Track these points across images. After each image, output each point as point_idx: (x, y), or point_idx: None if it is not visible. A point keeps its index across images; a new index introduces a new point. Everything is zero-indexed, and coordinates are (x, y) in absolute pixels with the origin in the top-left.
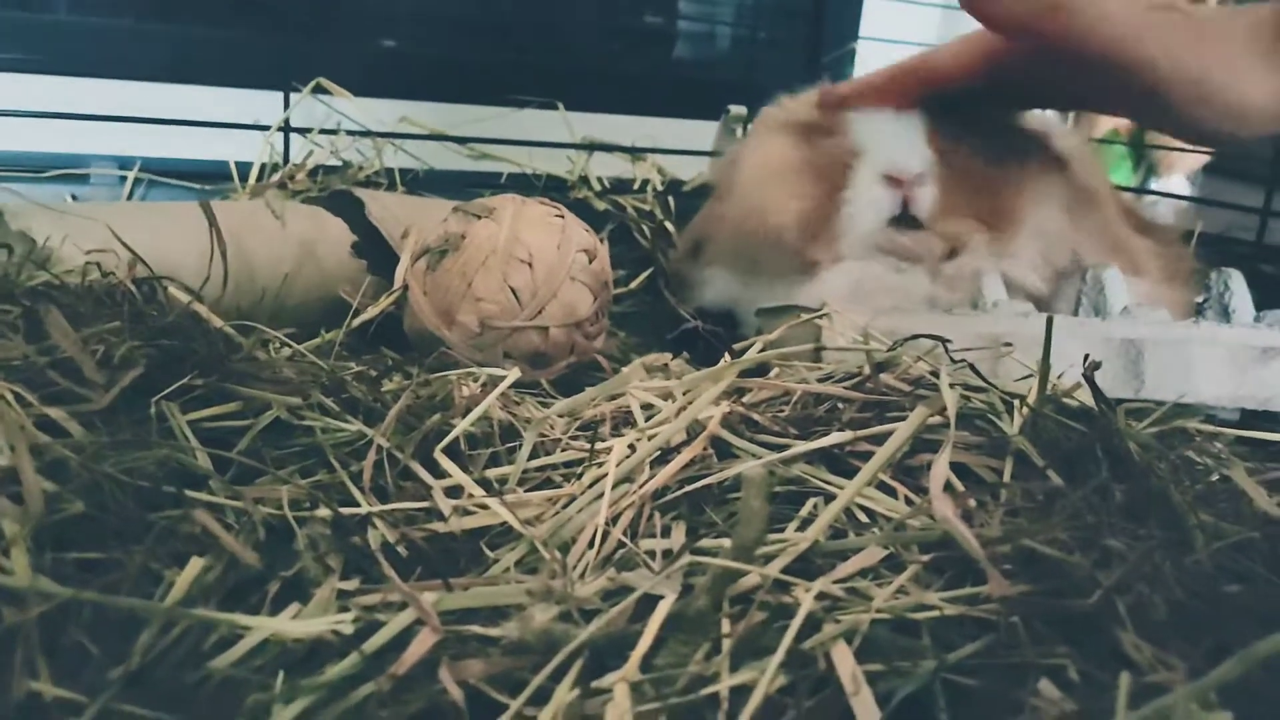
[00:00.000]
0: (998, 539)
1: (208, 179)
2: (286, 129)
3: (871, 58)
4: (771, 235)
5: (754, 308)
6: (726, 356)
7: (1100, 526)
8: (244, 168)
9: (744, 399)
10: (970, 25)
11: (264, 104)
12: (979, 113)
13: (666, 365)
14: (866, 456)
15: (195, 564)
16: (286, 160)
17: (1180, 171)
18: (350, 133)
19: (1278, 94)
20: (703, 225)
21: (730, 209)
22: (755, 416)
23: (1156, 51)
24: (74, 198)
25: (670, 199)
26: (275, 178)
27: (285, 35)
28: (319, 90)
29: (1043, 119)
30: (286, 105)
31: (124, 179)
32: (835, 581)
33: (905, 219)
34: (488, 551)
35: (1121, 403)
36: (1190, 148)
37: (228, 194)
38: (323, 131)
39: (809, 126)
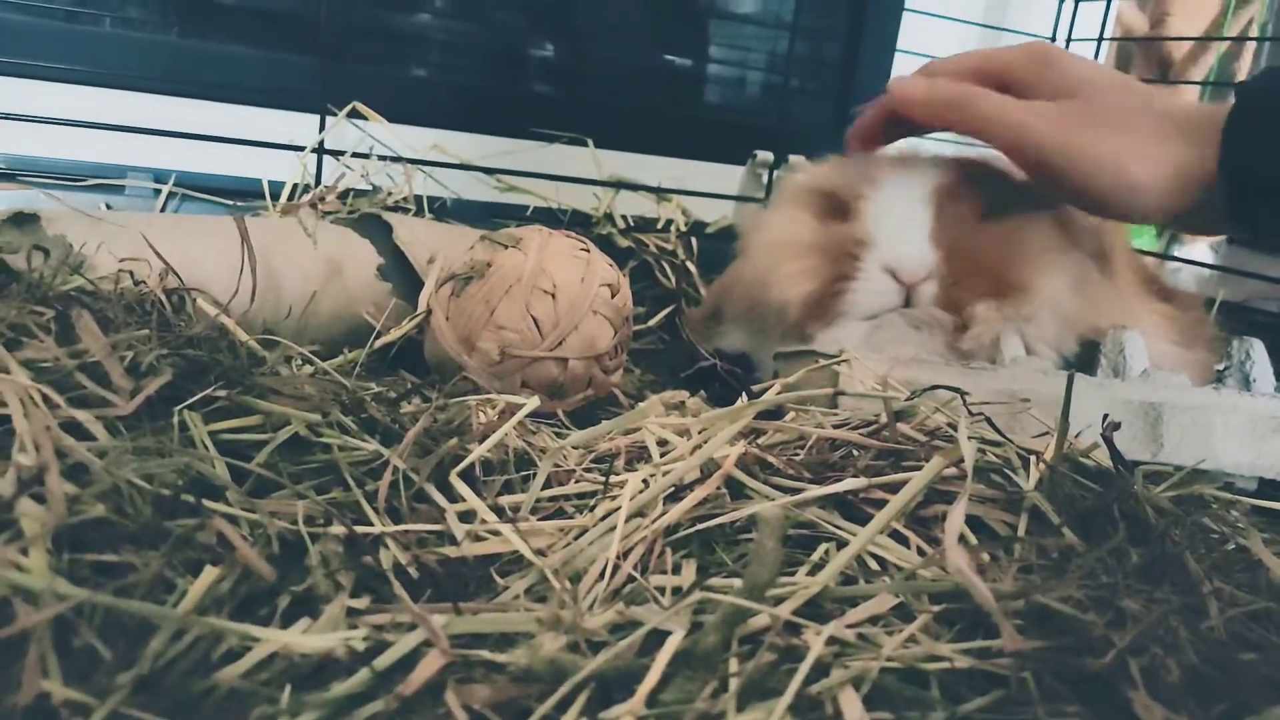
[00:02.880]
0: (1011, 594)
1: (240, 196)
2: (320, 150)
3: None
4: (776, 308)
5: (769, 353)
6: (744, 397)
7: (1115, 587)
8: (276, 186)
9: (759, 440)
10: None
11: (299, 125)
12: (994, 179)
13: (683, 403)
14: (880, 504)
15: (209, 573)
16: (318, 181)
17: (1205, 240)
18: (382, 158)
19: (1167, 174)
20: (722, 285)
21: (743, 274)
22: (770, 458)
23: (1044, 141)
24: (108, 207)
25: (693, 240)
26: (306, 198)
27: (323, 59)
28: (354, 114)
29: None
30: (322, 127)
31: (158, 191)
32: (846, 627)
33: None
34: (498, 578)
35: (1139, 465)
36: None
37: (259, 211)
38: (355, 155)
39: (826, 198)
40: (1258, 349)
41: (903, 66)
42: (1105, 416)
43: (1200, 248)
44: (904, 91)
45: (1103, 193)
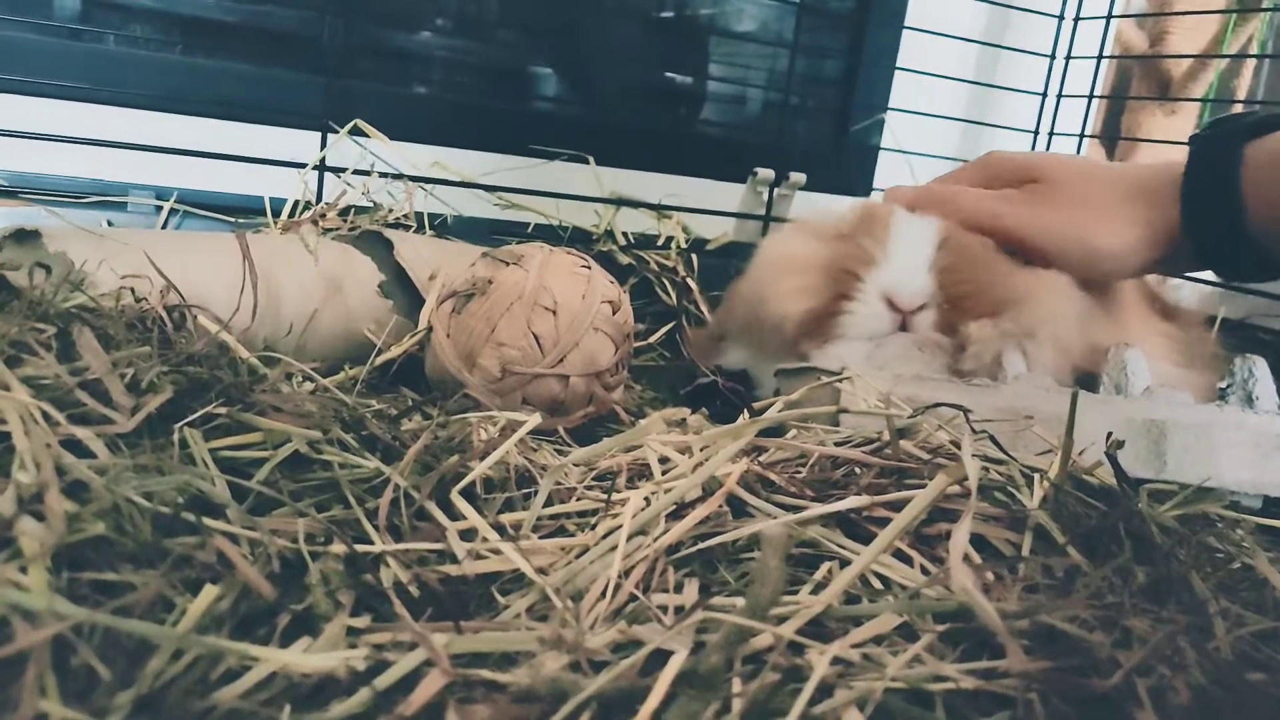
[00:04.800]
0: (1017, 613)
1: (241, 213)
2: (322, 168)
3: (900, 128)
4: (773, 324)
5: (769, 370)
6: (745, 414)
7: (1121, 607)
8: (277, 203)
9: (761, 458)
10: (999, 101)
11: (299, 143)
12: None
13: (685, 420)
14: (883, 522)
15: (209, 592)
16: (320, 198)
17: None
18: (383, 174)
19: (1135, 237)
20: (725, 302)
21: (744, 289)
22: (772, 476)
23: (1018, 224)
24: (110, 224)
25: (693, 257)
26: (307, 215)
27: (326, 77)
28: (356, 131)
29: None
30: (323, 144)
31: (159, 208)
32: (850, 647)
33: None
34: (499, 597)
35: (1144, 483)
36: None
37: (260, 228)
38: (356, 172)
39: (835, 231)
40: (1260, 367)
41: (902, 84)
42: (1109, 434)
43: None
44: (896, 197)
45: (1078, 264)
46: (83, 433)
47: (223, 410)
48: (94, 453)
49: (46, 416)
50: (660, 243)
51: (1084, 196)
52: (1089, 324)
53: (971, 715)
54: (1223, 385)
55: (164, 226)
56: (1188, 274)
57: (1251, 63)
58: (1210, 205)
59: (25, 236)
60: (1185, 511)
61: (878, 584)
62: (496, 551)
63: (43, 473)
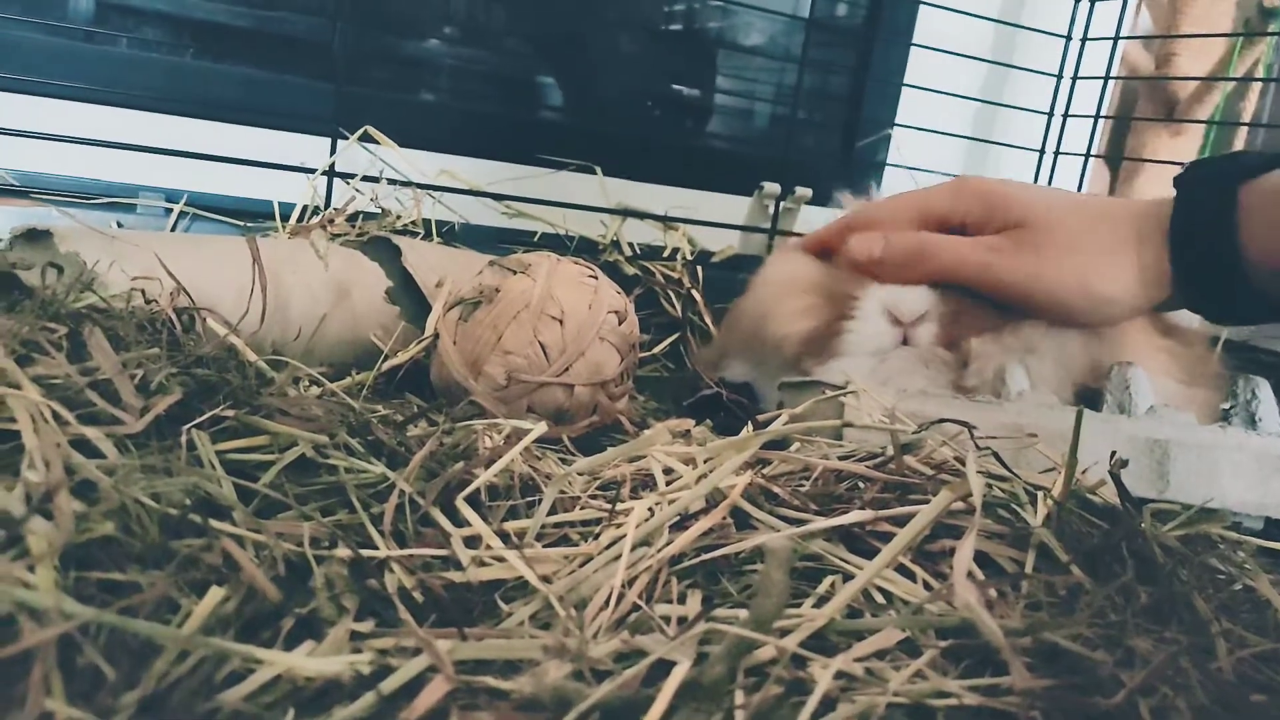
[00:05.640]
0: (1020, 630)
1: (249, 217)
2: (331, 173)
3: (906, 145)
4: (775, 344)
5: (773, 384)
6: (749, 426)
7: (1124, 626)
8: (285, 208)
9: (765, 471)
10: (1005, 120)
11: (310, 148)
12: None
13: (689, 431)
14: (886, 537)
15: (215, 594)
16: (328, 204)
17: None
18: (391, 181)
19: (1131, 280)
20: (728, 318)
21: (747, 307)
22: (776, 489)
23: (1008, 276)
24: (120, 225)
25: (699, 269)
26: (316, 220)
27: (336, 83)
28: (365, 138)
29: None
30: (333, 150)
31: (169, 211)
32: (853, 661)
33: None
34: (502, 604)
35: (1147, 502)
36: None
37: (269, 232)
38: (365, 178)
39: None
40: (1263, 388)
41: (909, 100)
42: (1113, 453)
43: None
44: (862, 252)
45: (1075, 311)
46: (92, 433)
47: (230, 413)
48: (103, 453)
49: (56, 416)
50: (666, 254)
51: (1077, 240)
52: (1090, 340)
53: None
54: (1226, 406)
55: (173, 229)
56: (1179, 308)
57: (1257, 86)
58: (1205, 249)
59: (37, 236)
60: (1188, 532)
61: (881, 599)
62: (500, 559)
63: (52, 472)
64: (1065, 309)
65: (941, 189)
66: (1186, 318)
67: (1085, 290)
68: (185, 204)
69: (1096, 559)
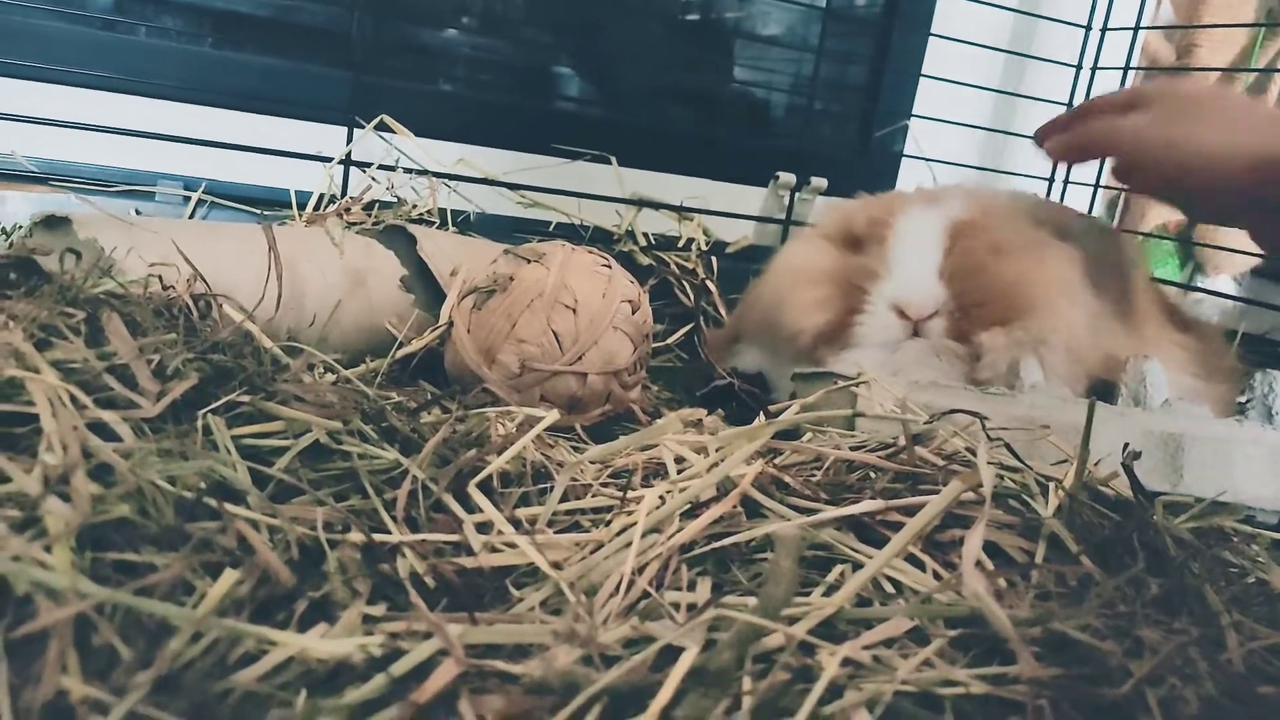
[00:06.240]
0: (1028, 620)
1: (266, 205)
2: (347, 162)
3: (923, 136)
4: (789, 335)
5: (785, 374)
6: (761, 416)
7: (1134, 617)
8: (302, 196)
9: (776, 460)
10: (1023, 110)
11: (326, 137)
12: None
13: (701, 420)
14: (896, 527)
15: (229, 576)
16: (345, 192)
17: (1227, 272)
18: (408, 170)
19: (1249, 154)
20: (742, 305)
21: (761, 295)
22: (787, 479)
23: (1149, 140)
24: (138, 213)
25: (713, 259)
26: (332, 208)
27: (354, 73)
28: (382, 127)
29: (1080, 214)
30: (350, 139)
31: (187, 199)
32: (861, 649)
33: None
34: (513, 590)
35: (1159, 495)
36: (1238, 249)
37: (285, 220)
38: (381, 167)
39: (849, 229)
40: None
41: (926, 91)
42: (1126, 445)
43: (1223, 279)
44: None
45: (1195, 173)
46: (109, 416)
47: (245, 398)
48: (120, 436)
49: (74, 399)
50: (681, 244)
51: (1209, 116)
52: (1104, 332)
53: None
54: (1242, 400)
55: (191, 216)
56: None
57: (1278, 78)
58: None
59: (56, 223)
60: (1200, 525)
61: (890, 588)
62: (512, 545)
63: (70, 454)
64: (1188, 170)
65: (1121, 92)
66: (1206, 312)
67: (1206, 154)
68: (203, 192)
69: (1107, 550)
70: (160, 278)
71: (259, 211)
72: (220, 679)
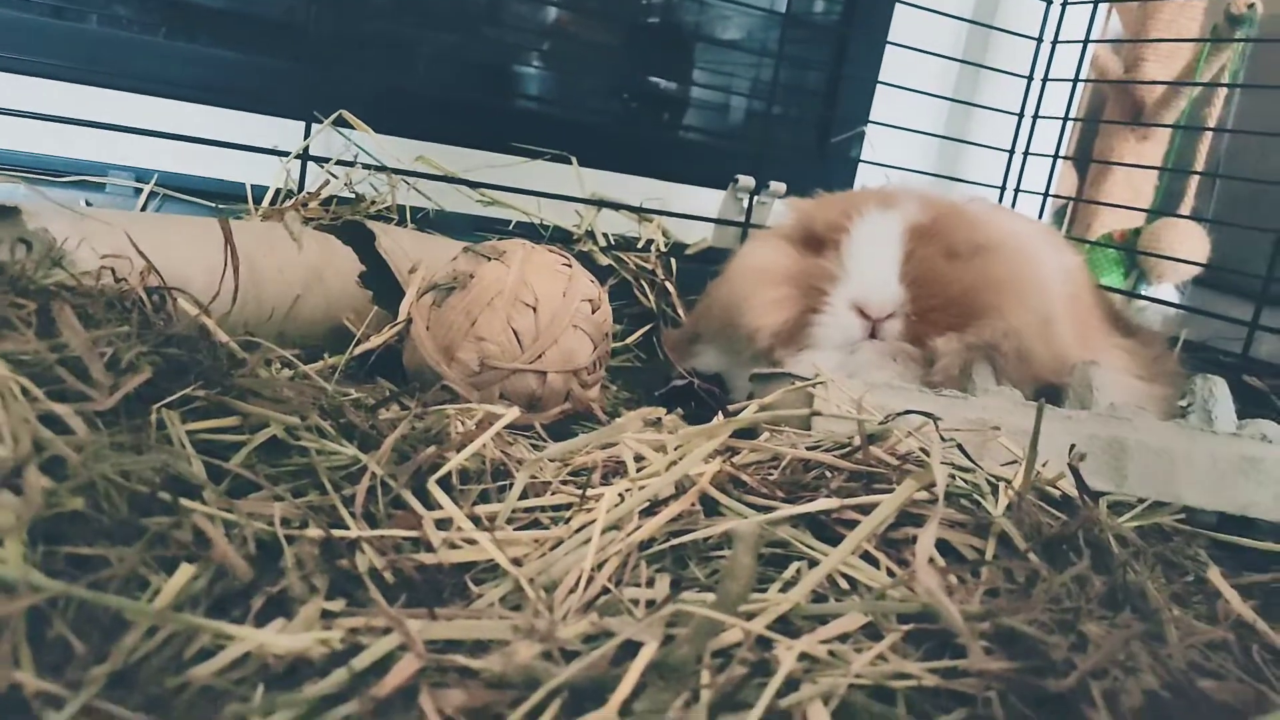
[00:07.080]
0: (978, 615)
1: (221, 198)
2: (305, 157)
3: (880, 142)
4: (747, 334)
5: (743, 374)
6: (720, 416)
7: (1079, 612)
8: (258, 191)
9: (734, 459)
10: (976, 119)
11: (283, 131)
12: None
13: (660, 419)
14: (851, 525)
15: (185, 570)
16: (302, 187)
17: (1171, 281)
18: (366, 166)
19: None
20: (701, 305)
21: (720, 295)
22: (744, 477)
23: None
24: (89, 204)
25: (672, 260)
26: (289, 203)
27: (309, 66)
28: (340, 122)
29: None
30: (307, 134)
31: (139, 191)
32: (818, 643)
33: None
34: (473, 586)
35: (1103, 495)
36: (1181, 259)
37: (240, 214)
38: (340, 163)
39: (808, 230)
40: (1220, 387)
41: (883, 98)
42: (1072, 447)
43: (1166, 288)
44: None
45: None
46: (62, 409)
47: (201, 393)
48: (72, 429)
49: (25, 392)
50: (640, 245)
51: None
52: (1053, 337)
53: (932, 712)
54: (1183, 404)
55: (143, 209)
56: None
57: (1223, 92)
58: None
59: (4, 213)
60: (1143, 524)
61: (845, 584)
62: (472, 541)
63: (21, 447)
64: None
65: None
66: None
67: None
68: (156, 184)
69: (1054, 548)
70: (113, 270)
71: (214, 205)
72: (176, 674)
